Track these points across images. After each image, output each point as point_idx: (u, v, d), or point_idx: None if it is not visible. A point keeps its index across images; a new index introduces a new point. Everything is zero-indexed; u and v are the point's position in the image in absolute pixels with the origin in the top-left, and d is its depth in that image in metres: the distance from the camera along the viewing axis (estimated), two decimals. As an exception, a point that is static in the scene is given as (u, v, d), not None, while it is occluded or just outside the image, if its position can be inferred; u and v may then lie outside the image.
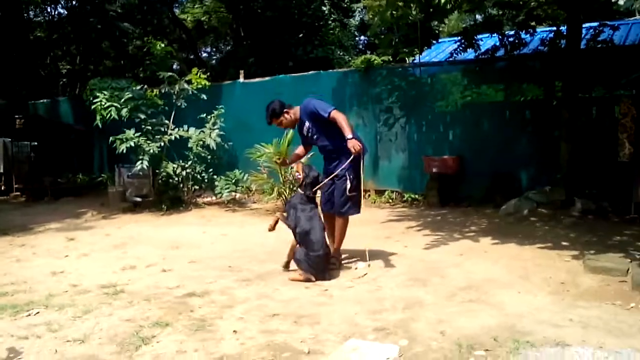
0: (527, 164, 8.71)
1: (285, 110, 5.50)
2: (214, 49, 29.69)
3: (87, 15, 17.73)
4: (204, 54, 28.56)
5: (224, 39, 27.41)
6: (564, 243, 6.03)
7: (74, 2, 19.00)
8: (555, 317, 3.79)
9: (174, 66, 20.97)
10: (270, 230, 5.20)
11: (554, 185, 8.03)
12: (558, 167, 8.14)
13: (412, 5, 8.11)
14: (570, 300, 4.20)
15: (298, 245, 5.01)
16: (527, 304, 4.11)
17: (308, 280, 4.82)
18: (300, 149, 5.78)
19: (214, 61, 27.94)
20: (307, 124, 5.46)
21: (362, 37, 25.00)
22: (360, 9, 21.75)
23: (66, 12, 20.01)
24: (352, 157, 5.14)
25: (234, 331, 3.63)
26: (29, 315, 4.26)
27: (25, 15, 19.58)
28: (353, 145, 5.04)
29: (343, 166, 5.23)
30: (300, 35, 20.51)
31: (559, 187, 7.88)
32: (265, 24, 20.51)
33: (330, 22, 21.11)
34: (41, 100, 14.68)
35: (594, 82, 8.12)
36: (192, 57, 24.30)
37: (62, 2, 19.87)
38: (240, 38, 22.93)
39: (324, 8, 21.17)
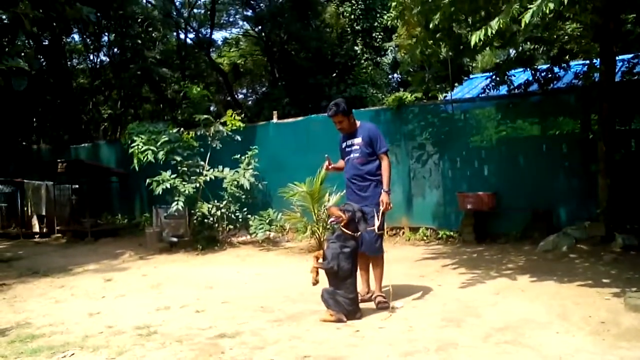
0: (564, 200, 8.51)
1: (352, 113, 5.60)
2: (250, 91, 30.33)
3: (127, 62, 18.40)
4: (240, 96, 29.18)
5: (259, 80, 28.03)
6: (605, 280, 5.83)
7: (115, 50, 19.77)
8: (596, 358, 3.65)
9: (211, 108, 21.54)
10: (314, 284, 4.99)
11: (593, 220, 7.81)
12: (597, 202, 7.93)
13: (441, 43, 8.17)
14: (611, 340, 4.04)
15: (328, 286, 4.96)
16: (565, 345, 3.98)
17: (339, 320, 4.77)
18: (341, 163, 5.80)
19: (249, 102, 28.51)
20: (360, 140, 5.49)
21: (395, 75, 25.19)
22: (392, 48, 21.96)
23: (108, 59, 20.81)
24: (380, 211, 5.29)
25: (265, 375, 3.61)
26: (64, 357, 4.32)
27: (69, 62, 20.47)
28: (387, 201, 5.32)
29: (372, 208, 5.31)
30: (334, 75, 20.81)
31: (598, 223, 7.66)
32: (299, 65, 20.91)
33: (363, 61, 21.38)
34: (82, 145, 15.15)
35: (632, 114, 7.96)
36: (228, 98, 24.86)
37: (105, 50, 20.70)
38: (275, 79, 23.39)
39: (357, 48, 21.48)
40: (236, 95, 26.88)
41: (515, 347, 3.97)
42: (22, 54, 9.44)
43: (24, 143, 18.14)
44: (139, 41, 17.42)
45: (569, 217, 8.38)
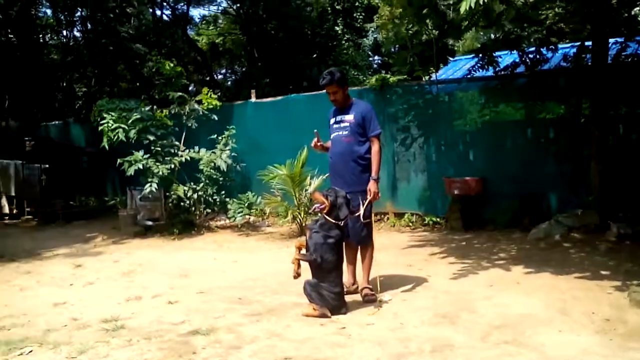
0: (555, 185, 8.21)
1: (347, 85, 5.21)
2: (229, 71, 29.68)
3: (101, 38, 17.69)
4: (220, 76, 28.55)
5: (238, 60, 27.38)
6: (603, 272, 5.52)
7: (89, 26, 18.99)
8: (606, 362, 3.34)
9: (190, 88, 20.90)
10: (296, 277, 4.60)
11: (585, 208, 7.53)
12: (588, 188, 7.66)
13: (427, 21, 7.77)
14: (619, 340, 3.73)
15: (311, 278, 4.58)
16: (571, 345, 3.65)
17: (323, 316, 4.40)
18: (330, 143, 5.36)
19: (229, 82, 27.90)
20: (351, 117, 5.08)
21: (376, 57, 24.82)
22: (373, 29, 21.55)
23: (81, 35, 20.04)
24: (367, 200, 4.95)
25: (240, 379, 3.22)
26: (21, 354, 3.92)
27: (41, 37, 19.64)
28: (375, 190, 4.95)
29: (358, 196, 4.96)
30: (314, 56, 20.35)
31: (591, 211, 7.38)
32: (279, 44, 20.40)
33: (343, 42, 20.97)
34: (53, 123, 14.49)
35: (626, 98, 7.65)
36: (207, 78, 24.22)
37: (78, 26, 19.90)
38: (254, 59, 22.83)
39: (337, 28, 21.05)
40: (215, 76, 26.25)
41: (516, 348, 3.62)
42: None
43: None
44: (111, 15, 16.65)
45: (559, 204, 8.09)
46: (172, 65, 9.97)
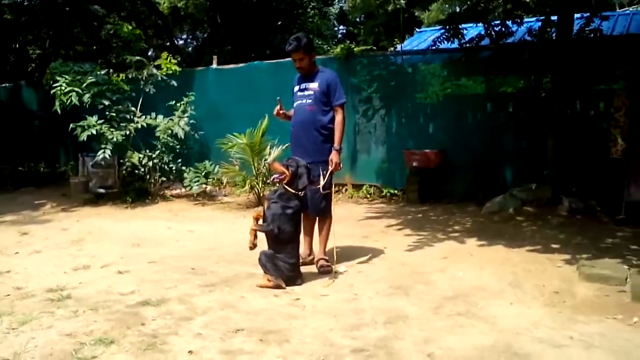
0: (511, 159, 8.31)
1: (314, 52, 5.07)
2: (191, 37, 28.89)
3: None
4: (181, 42, 27.77)
5: (200, 26, 26.65)
6: (554, 246, 5.63)
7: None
8: (554, 334, 3.38)
9: (149, 53, 20.26)
10: (252, 248, 4.51)
11: (540, 182, 7.65)
12: (544, 163, 7.76)
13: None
14: (568, 313, 3.79)
15: (267, 249, 4.51)
16: (521, 317, 3.69)
17: (278, 287, 4.33)
18: (292, 111, 5.24)
19: (190, 49, 27.18)
20: (316, 85, 4.95)
21: (342, 27, 24.52)
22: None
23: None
24: (328, 171, 4.90)
25: (190, 352, 3.14)
26: (-42, 326, 3.73)
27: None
28: (337, 161, 4.89)
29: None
30: (279, 23, 19.94)
31: (545, 185, 7.50)
32: (243, 10, 19.88)
33: (309, 10, 20.59)
34: (3, 85, 13.86)
35: (586, 74, 7.73)
36: (167, 44, 23.51)
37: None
38: (217, 25, 22.22)
39: (303, -5, 20.62)
40: (176, 41, 25.52)
41: (468, 320, 3.65)
42: None
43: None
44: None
45: (515, 178, 8.21)
46: (130, 27, 9.65)
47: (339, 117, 4.96)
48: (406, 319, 3.65)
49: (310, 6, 20.71)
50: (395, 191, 9.00)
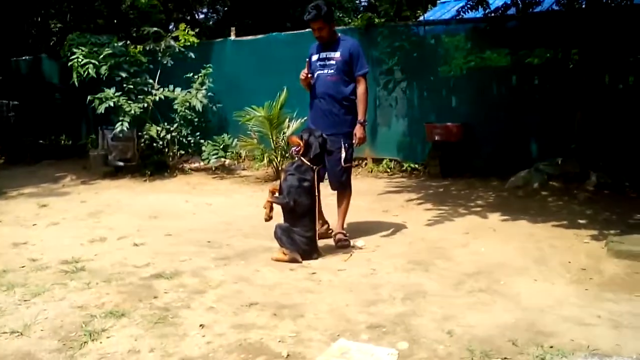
0: (537, 133, 8.05)
1: (334, 21, 4.88)
2: (211, 10, 28.66)
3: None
4: (201, 15, 27.57)
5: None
6: (581, 221, 5.42)
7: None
8: (581, 312, 3.23)
9: (169, 27, 20.15)
10: (267, 220, 4.42)
11: (566, 156, 7.39)
12: (571, 137, 7.49)
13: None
14: (595, 291, 3.63)
15: (282, 222, 4.40)
16: (546, 295, 3.54)
17: (294, 260, 4.23)
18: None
19: (210, 22, 26.98)
20: (338, 55, 4.76)
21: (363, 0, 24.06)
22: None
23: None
24: (350, 144, 4.80)
25: (201, 325, 3.05)
26: (-30, 295, 3.71)
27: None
28: (361, 136, 4.76)
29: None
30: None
31: (571, 159, 7.25)
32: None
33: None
34: (23, 58, 13.86)
35: (616, 45, 7.40)
36: (187, 17, 23.35)
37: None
38: (237, -1, 21.97)
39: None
40: (196, 15, 25.32)
41: (490, 297, 3.51)
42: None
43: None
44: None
45: (540, 153, 7.95)
46: (147, -3, 9.48)
47: (362, 88, 4.78)
48: (425, 295, 3.52)
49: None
50: (416, 165, 8.81)
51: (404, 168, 8.88)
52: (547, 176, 7.12)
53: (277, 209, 4.45)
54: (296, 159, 4.49)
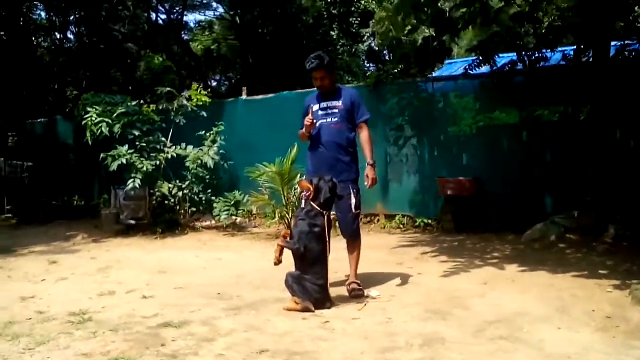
0: (551, 187, 7.96)
1: (334, 71, 4.96)
2: (224, 78, 29.40)
3: (92, 36, 17.44)
4: (214, 82, 28.29)
5: (233, 67, 27.13)
6: (602, 271, 5.26)
7: (82, 29, 18.75)
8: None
9: (183, 93, 20.66)
10: (276, 263, 4.35)
11: (582, 209, 7.28)
12: (585, 190, 7.40)
13: (423, 16, 7.56)
14: (622, 338, 3.46)
15: (294, 270, 4.29)
16: (571, 342, 3.37)
17: (306, 310, 4.10)
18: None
19: (222, 89, 27.63)
20: (340, 103, 4.82)
21: (371, 64, 24.59)
22: (368, 34, 21.36)
23: (74, 37, 19.84)
24: (367, 186, 4.83)
25: (210, 370, 2.92)
26: (-26, 346, 3.59)
27: (34, 39, 19.41)
28: (373, 176, 4.78)
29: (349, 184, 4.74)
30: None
31: (588, 212, 7.13)
32: (273, 50, 20.15)
33: (339, 47, 20.75)
34: (38, 120, 14.13)
35: (626, 99, 7.42)
36: (201, 85, 23.95)
37: (72, 27, 19.68)
38: (249, 65, 22.58)
39: (333, 33, 20.84)
40: (209, 82, 25.99)
41: (512, 344, 3.34)
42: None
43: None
44: (104, 13, 16.40)
45: (554, 205, 7.83)
46: (161, 59, 9.72)
47: (366, 133, 4.85)
48: (444, 342, 3.37)
49: (340, 43, 20.88)
50: (429, 221, 8.70)
51: (417, 223, 8.76)
52: (563, 229, 6.99)
53: (288, 256, 4.35)
54: (306, 204, 4.43)
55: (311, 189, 4.32)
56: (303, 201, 4.49)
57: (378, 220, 9.17)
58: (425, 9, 7.04)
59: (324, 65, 4.74)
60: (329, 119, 4.83)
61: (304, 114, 4.93)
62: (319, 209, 4.29)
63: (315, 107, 4.92)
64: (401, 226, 8.87)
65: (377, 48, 21.90)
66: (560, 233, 6.90)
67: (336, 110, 4.82)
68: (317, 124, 4.87)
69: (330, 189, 4.32)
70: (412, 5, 6.93)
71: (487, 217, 8.21)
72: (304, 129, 4.88)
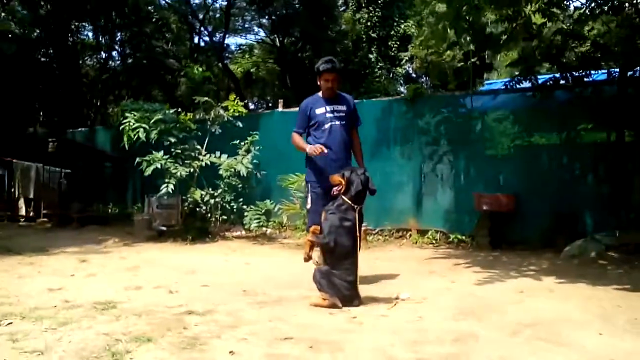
0: (592, 205, 7.66)
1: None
2: (262, 100, 29.80)
3: (135, 53, 17.93)
4: (251, 105, 28.69)
5: (272, 90, 27.47)
6: (646, 286, 4.99)
7: (127, 50, 19.33)
8: (657, 363, 2.84)
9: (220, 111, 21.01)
10: (306, 259, 4.31)
11: (625, 227, 6.98)
12: (627, 210, 7.11)
13: (464, 25, 7.46)
14: (671, 346, 3.22)
15: (321, 265, 4.17)
16: (614, 347, 3.16)
17: (333, 306, 3.96)
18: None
19: (260, 110, 28.01)
20: (345, 107, 5.05)
21: (408, 88, 24.52)
22: (407, 58, 21.35)
23: (119, 57, 20.46)
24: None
25: (231, 352, 2.82)
26: (-1, 325, 3.57)
27: (80, 59, 20.10)
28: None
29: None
30: (346, 83, 20.18)
31: (631, 230, 6.83)
32: (312, 72, 20.29)
33: (376, 70, 20.76)
34: (79, 129, 14.44)
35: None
36: (237, 97, 24.29)
37: (117, 47, 20.31)
38: (287, 88, 22.80)
39: (371, 56, 20.88)
40: (247, 104, 26.38)
41: (552, 345, 3.14)
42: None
43: (28, 129, 17.73)
44: (148, 33, 16.83)
45: (596, 224, 7.52)
46: (201, 69, 9.81)
47: (358, 140, 5.19)
48: (478, 339, 3.19)
49: (378, 67, 20.89)
50: (463, 237, 8.44)
51: (451, 239, 8.52)
52: (604, 246, 6.71)
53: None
54: (338, 198, 4.32)
55: (343, 182, 4.22)
56: (335, 194, 4.38)
57: (410, 235, 8.97)
58: (467, 17, 6.92)
59: (337, 68, 4.93)
60: (338, 122, 4.97)
61: (303, 114, 5.13)
62: (350, 202, 4.18)
63: (322, 110, 5.00)
64: (434, 241, 8.64)
65: (414, 74, 21.91)
66: (601, 250, 6.62)
67: (343, 114, 5.02)
68: (328, 125, 4.96)
69: (362, 182, 4.21)
70: (455, 16, 6.85)
71: (523, 234, 7.95)
72: (312, 151, 4.80)
